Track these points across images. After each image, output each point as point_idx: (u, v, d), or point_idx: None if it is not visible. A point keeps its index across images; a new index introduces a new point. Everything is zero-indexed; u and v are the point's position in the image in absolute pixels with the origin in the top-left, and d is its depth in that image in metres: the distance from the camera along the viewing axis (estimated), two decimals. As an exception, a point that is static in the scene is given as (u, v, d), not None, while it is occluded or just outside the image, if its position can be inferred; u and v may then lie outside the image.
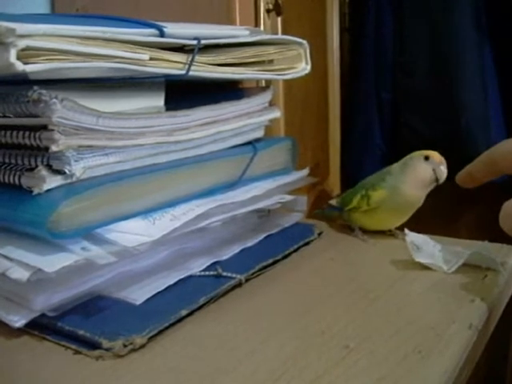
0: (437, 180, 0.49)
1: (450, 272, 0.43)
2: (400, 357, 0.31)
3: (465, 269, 0.43)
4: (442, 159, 0.50)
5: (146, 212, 0.39)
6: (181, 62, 0.39)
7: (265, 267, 0.44)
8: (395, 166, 0.52)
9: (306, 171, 0.55)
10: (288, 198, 0.51)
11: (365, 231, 0.53)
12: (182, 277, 0.40)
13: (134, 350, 0.33)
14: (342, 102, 1.04)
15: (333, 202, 0.57)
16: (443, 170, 0.49)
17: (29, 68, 0.30)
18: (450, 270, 0.43)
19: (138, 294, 0.38)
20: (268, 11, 0.74)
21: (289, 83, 0.79)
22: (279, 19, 0.76)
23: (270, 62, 0.48)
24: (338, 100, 1.03)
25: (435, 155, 0.50)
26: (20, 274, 0.32)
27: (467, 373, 0.33)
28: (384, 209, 0.51)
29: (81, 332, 0.33)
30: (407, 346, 0.32)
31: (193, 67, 0.39)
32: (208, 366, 0.31)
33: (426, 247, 0.45)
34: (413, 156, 0.51)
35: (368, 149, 1.05)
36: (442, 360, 0.31)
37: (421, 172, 0.50)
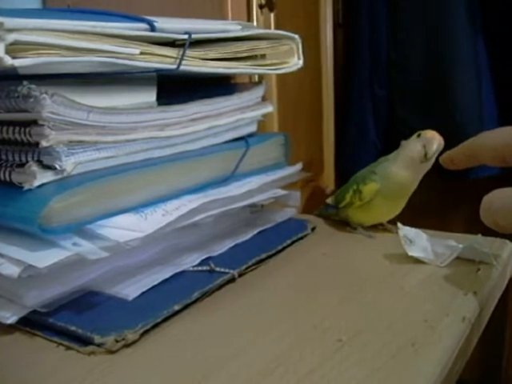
0: (426, 155, 0.48)
1: (443, 266, 0.43)
2: (393, 349, 0.31)
3: (458, 262, 0.43)
4: (435, 134, 0.48)
5: (137, 207, 0.39)
6: (172, 57, 0.39)
7: (258, 262, 0.44)
8: (393, 153, 0.51)
9: (299, 166, 0.55)
10: (281, 192, 0.51)
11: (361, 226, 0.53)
12: (174, 272, 0.40)
13: (126, 346, 0.33)
14: (336, 97, 1.04)
15: (329, 200, 0.57)
16: (433, 144, 0.47)
17: (17, 62, 0.30)
18: (443, 263, 0.43)
19: (130, 290, 0.38)
20: (261, 7, 0.74)
21: (282, 79, 0.79)
22: (272, 15, 0.76)
23: (263, 56, 0.48)
24: (332, 96, 1.03)
25: (428, 132, 0.49)
26: (11, 270, 0.32)
27: (460, 365, 0.33)
28: (377, 201, 0.50)
29: (73, 328, 0.33)
30: (400, 339, 0.32)
31: (184, 62, 0.39)
32: (201, 361, 0.31)
33: (419, 241, 0.45)
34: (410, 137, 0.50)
35: (363, 144, 1.05)
36: (435, 352, 0.31)
37: (411, 148, 0.49)
